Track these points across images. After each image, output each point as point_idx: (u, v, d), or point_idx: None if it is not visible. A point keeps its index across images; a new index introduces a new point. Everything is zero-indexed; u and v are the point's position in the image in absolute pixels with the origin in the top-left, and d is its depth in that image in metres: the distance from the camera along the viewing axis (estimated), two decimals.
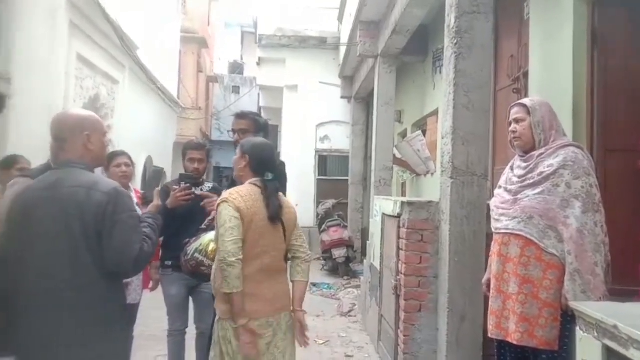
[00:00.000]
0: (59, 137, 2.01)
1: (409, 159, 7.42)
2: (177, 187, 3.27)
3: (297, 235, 2.59)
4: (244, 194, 2.39)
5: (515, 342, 2.57)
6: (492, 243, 2.82)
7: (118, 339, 2.01)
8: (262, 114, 16.44)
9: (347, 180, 10.74)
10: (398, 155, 7.59)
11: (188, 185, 3.28)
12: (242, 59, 23.92)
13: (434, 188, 7.27)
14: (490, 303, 2.81)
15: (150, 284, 3.52)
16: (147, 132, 9.82)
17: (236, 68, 23.55)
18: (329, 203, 10.14)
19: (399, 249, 4.01)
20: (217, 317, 2.49)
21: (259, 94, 19.10)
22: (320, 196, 11.53)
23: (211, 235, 2.98)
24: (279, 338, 2.44)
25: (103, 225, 1.89)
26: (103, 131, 2.12)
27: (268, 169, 2.49)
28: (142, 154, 9.66)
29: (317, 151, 12.05)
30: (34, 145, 4.54)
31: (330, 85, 11.26)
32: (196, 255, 2.91)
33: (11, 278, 1.89)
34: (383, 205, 4.80)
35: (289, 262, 2.62)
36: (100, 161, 2.18)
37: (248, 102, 19.48)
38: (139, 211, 2.74)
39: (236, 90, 22.11)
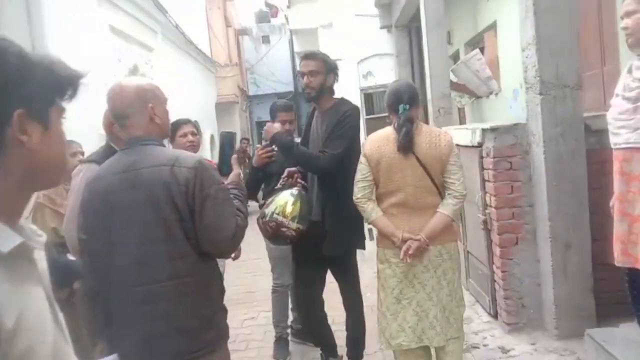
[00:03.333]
0: (120, 114, 1.78)
1: (468, 82, 6.92)
2: (259, 145, 3.15)
3: (449, 171, 2.57)
4: (376, 137, 2.63)
5: None
6: (613, 160, 2.46)
7: (221, 325, 1.85)
8: (295, 61, 15.98)
9: None
10: (454, 80, 7.09)
11: (268, 142, 3.08)
12: (266, 5, 23.11)
13: (499, 109, 6.79)
14: (614, 228, 2.49)
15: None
16: (189, 97, 9.65)
17: (263, 17, 22.81)
18: None
19: (484, 180, 3.68)
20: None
21: (290, 41, 18.53)
22: None
23: (285, 195, 2.80)
24: (419, 270, 2.55)
25: (194, 203, 1.70)
26: (165, 99, 1.89)
27: (400, 102, 2.57)
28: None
29: (361, 90, 11.58)
30: (78, 129, 4.44)
31: (367, 16, 10.62)
32: (275, 216, 2.73)
33: (101, 273, 1.74)
34: (455, 136, 4.43)
35: None
36: (167, 133, 1.96)
37: (280, 50, 18.95)
38: None
39: (266, 40, 21.49)
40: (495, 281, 3.67)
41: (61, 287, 2.32)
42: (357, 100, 11.36)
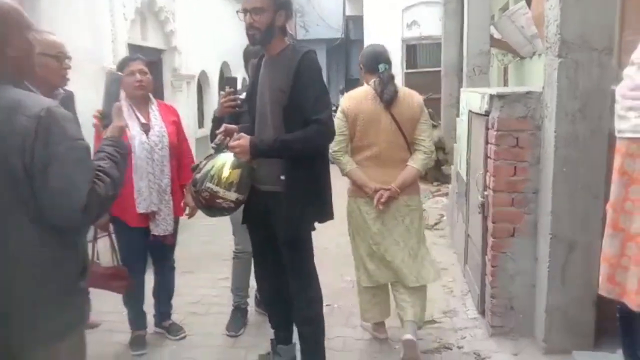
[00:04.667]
0: None
1: (511, 39, 6.09)
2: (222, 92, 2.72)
3: (420, 129, 2.81)
4: (355, 95, 2.87)
5: (635, 308, 1.72)
6: (615, 154, 1.86)
7: (71, 311, 1.50)
8: (346, 5, 15.06)
9: (440, 71, 9.46)
10: (497, 36, 6.27)
11: (232, 90, 2.64)
12: None
13: (542, 73, 5.97)
14: (603, 244, 1.92)
15: (187, 210, 3.00)
16: (218, 36, 9.15)
17: None
18: None
19: (486, 157, 3.10)
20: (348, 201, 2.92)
21: None
22: None
23: (222, 157, 2.34)
24: (388, 217, 2.82)
25: (32, 161, 1.32)
26: (26, 25, 1.45)
27: (379, 62, 2.81)
28: (215, 62, 9.09)
29: (403, 40, 10.69)
30: None
31: None
32: (208, 185, 2.28)
33: None
34: (469, 99, 3.81)
35: None
36: (28, 69, 1.51)
37: None
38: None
39: None
40: (485, 274, 3.15)
41: None
42: (397, 50, 10.54)
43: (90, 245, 2.69)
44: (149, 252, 3.06)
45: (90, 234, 2.77)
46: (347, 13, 15.33)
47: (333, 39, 18.38)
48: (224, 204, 2.31)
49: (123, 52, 5.50)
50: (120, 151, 1.60)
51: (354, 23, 15.61)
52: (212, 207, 2.33)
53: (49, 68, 2.18)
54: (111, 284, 2.87)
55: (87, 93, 3.33)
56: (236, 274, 3.35)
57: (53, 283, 1.42)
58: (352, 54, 14.78)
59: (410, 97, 2.81)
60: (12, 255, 1.38)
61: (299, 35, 20.41)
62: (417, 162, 2.79)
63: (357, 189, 2.83)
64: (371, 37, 10.28)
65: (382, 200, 2.73)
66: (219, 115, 2.71)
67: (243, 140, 2.25)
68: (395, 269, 2.84)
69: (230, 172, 2.30)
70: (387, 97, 2.72)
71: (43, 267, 1.41)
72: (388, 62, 2.83)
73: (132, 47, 5.86)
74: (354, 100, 2.81)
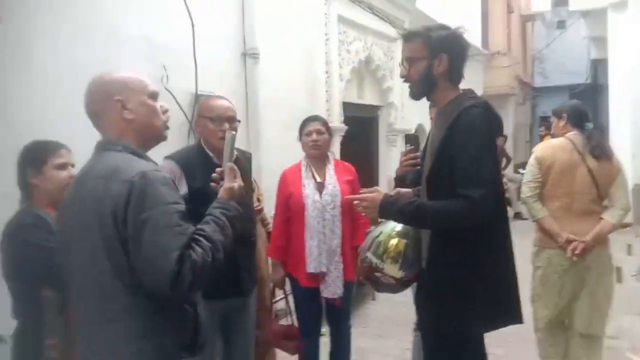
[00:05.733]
0: (89, 113, 1.51)
1: None
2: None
3: (617, 185, 2.84)
4: (551, 144, 2.99)
5: None
6: None
7: None
8: (592, 49, 13.38)
9: None
10: None
11: (412, 147, 2.47)
12: None
13: None
14: None
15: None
16: None
17: (561, 0, 20.10)
18: None
19: None
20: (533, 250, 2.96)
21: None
22: None
23: (390, 225, 2.06)
24: (580, 269, 2.78)
25: (125, 227, 1.32)
26: (145, 90, 1.52)
27: (587, 121, 2.93)
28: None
29: None
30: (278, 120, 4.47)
31: None
32: (368, 255, 2.04)
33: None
34: None
35: None
36: (155, 133, 1.55)
37: (573, 36, 16.33)
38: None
39: (561, 25, 18.88)
40: None
41: None
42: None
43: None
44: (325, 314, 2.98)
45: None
46: (592, 57, 13.70)
47: (575, 84, 16.68)
48: (383, 279, 2.02)
49: (337, 111, 5.80)
50: (228, 214, 1.51)
51: (600, 67, 13.84)
52: (370, 280, 2.08)
53: (206, 129, 2.31)
54: (284, 343, 2.87)
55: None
56: (414, 352, 3.02)
57: (144, 354, 1.38)
58: (599, 100, 13.04)
59: (614, 159, 2.88)
60: (106, 320, 1.38)
61: (537, 82, 19.13)
62: (613, 217, 2.80)
63: (547, 239, 2.85)
64: (616, 81, 8.89)
65: (577, 252, 2.70)
66: (399, 174, 2.48)
67: (376, 194, 1.96)
68: (573, 308, 2.84)
69: (397, 242, 2.01)
70: (599, 152, 2.81)
71: (135, 336, 1.37)
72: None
73: (348, 105, 6.14)
74: (550, 150, 2.92)
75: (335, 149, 5.87)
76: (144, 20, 3.28)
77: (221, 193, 1.57)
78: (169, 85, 3.34)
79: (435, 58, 1.93)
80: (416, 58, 1.96)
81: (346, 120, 5.97)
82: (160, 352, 1.40)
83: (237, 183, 1.59)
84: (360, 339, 3.79)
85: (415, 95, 2.03)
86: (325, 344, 3.05)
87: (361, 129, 6.83)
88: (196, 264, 1.33)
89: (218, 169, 1.64)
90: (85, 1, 2.88)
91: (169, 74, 3.38)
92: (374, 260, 2.01)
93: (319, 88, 5.55)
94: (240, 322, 2.38)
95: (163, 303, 1.40)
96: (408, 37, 2.03)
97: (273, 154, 4.34)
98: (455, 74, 1.98)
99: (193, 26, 3.66)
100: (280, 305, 3.02)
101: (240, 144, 4.15)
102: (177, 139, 3.29)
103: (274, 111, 4.61)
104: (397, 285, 2.04)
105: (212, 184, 1.63)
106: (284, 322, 3.00)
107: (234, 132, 1.74)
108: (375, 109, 7.22)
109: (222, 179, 1.60)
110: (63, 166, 1.89)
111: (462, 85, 2.06)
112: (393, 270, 1.98)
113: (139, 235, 1.32)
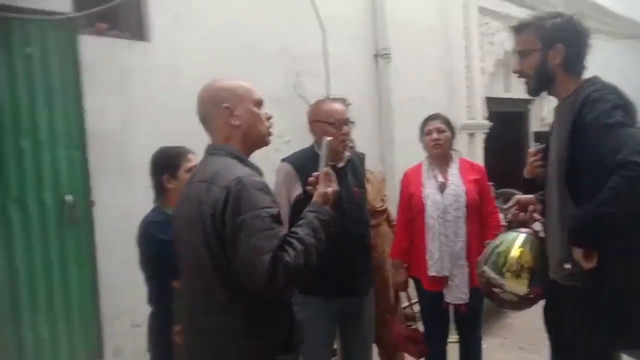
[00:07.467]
0: (200, 118, 1.63)
1: None
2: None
3: None
4: None
5: None
6: None
7: None
8: None
9: None
10: None
11: (543, 146, 2.24)
12: None
13: None
14: None
15: None
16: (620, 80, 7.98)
17: None
18: None
19: None
20: None
21: None
22: None
23: (510, 238, 1.89)
24: None
25: (224, 231, 1.42)
26: (252, 99, 1.59)
27: None
28: None
29: None
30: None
31: None
32: (484, 268, 1.89)
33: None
34: None
35: None
36: (259, 138, 1.62)
37: None
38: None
39: None
40: None
41: None
42: None
43: None
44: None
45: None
46: None
47: None
48: (503, 295, 1.85)
49: (479, 106, 5.49)
50: (322, 217, 1.52)
51: None
52: (490, 296, 1.93)
53: (326, 134, 2.31)
54: (408, 346, 2.81)
55: None
56: None
57: (236, 354, 1.45)
58: None
59: None
60: (208, 312, 1.49)
61: None
62: None
63: None
64: None
65: None
66: (528, 176, 2.19)
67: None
68: None
69: (520, 253, 1.83)
70: None
71: (233, 333, 1.44)
72: None
73: (492, 100, 5.78)
74: None
75: (478, 148, 5.56)
76: (280, 34, 3.49)
77: (315, 197, 1.59)
78: (302, 91, 3.49)
79: (549, 49, 1.78)
80: (529, 51, 1.82)
81: (491, 116, 5.64)
82: (257, 352, 1.47)
83: (332, 188, 1.61)
84: (499, 351, 3.54)
85: (533, 91, 1.89)
86: (454, 352, 2.91)
87: (508, 124, 6.39)
88: (289, 265, 1.37)
89: (314, 173, 1.66)
90: (228, 21, 3.18)
91: (302, 80, 3.54)
92: (492, 274, 1.86)
93: (459, 83, 5.30)
94: (357, 320, 2.40)
95: (261, 303, 1.46)
96: (518, 28, 1.88)
97: (410, 153, 4.26)
98: (574, 64, 1.79)
99: (324, 32, 3.77)
100: (415, 308, 2.96)
101: (372, 145, 4.25)
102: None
103: (410, 110, 4.51)
104: (521, 302, 1.87)
105: (308, 187, 1.66)
106: (413, 325, 2.93)
107: (330, 138, 1.76)
108: (524, 102, 6.67)
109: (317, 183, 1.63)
110: (191, 169, 2.08)
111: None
112: (516, 285, 1.81)
113: (235, 238, 1.39)
